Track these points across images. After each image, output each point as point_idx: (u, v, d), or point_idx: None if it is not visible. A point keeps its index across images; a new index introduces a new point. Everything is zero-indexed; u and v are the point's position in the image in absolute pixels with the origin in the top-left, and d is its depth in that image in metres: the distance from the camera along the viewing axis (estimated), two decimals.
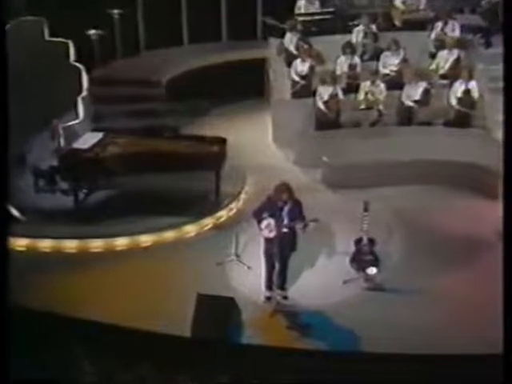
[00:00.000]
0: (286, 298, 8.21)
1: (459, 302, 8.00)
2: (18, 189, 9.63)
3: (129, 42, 14.06)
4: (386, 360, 5.99)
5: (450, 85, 11.35)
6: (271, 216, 7.77)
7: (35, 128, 10.54)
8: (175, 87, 13.21)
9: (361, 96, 11.43)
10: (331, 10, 13.11)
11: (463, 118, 11.14)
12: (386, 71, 11.82)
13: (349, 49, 11.90)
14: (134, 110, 12.41)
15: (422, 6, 13.09)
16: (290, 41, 12.36)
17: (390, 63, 11.84)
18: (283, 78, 12.22)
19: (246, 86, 12.91)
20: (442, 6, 12.87)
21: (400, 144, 10.74)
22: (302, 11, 13.19)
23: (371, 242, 8.41)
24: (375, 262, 8.40)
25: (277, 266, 8.06)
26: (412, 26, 12.71)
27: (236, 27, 14.49)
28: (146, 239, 9.42)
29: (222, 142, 10.10)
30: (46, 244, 9.31)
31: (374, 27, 12.51)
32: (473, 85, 11.08)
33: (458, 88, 11.11)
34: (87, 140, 10.02)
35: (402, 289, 8.27)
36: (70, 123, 10.96)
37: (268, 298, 8.19)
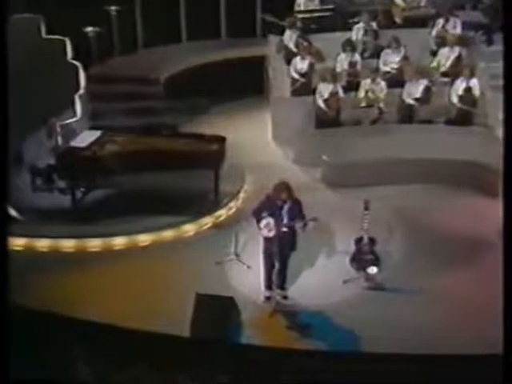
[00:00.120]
0: (285, 297, 8.23)
1: (460, 301, 8.02)
2: (15, 187, 9.63)
3: (126, 39, 14.07)
4: (386, 360, 6.01)
5: (451, 82, 11.37)
6: (271, 215, 7.79)
7: (32, 126, 10.54)
8: (174, 85, 13.23)
9: (361, 94, 11.45)
10: (331, 7, 13.12)
11: (464, 115, 11.17)
12: (387, 69, 11.84)
13: (349, 46, 11.92)
14: (132, 107, 12.44)
15: (422, 3, 13.12)
16: (290, 38, 12.39)
17: (390, 61, 11.86)
18: (283, 76, 12.24)
19: (246, 83, 12.92)
20: (443, 2, 12.88)
21: (401, 142, 10.75)
22: (302, 8, 13.21)
23: (372, 241, 8.43)
24: (376, 262, 8.42)
25: (276, 265, 8.08)
26: (413, 23, 12.74)
27: (235, 24, 14.50)
28: (144, 238, 9.43)
29: (221, 140, 10.11)
30: (43, 243, 9.33)
31: (374, 24, 12.53)
32: (474, 82, 11.11)
33: (460, 86, 11.13)
34: (85, 138, 10.04)
35: (402, 288, 8.29)
36: (68, 121, 10.98)
37: (267, 298, 8.21)
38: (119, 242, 9.37)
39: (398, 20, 12.98)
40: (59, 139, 10.50)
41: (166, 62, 13.64)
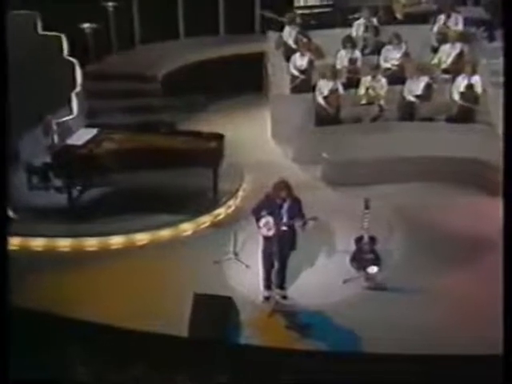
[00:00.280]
0: (285, 297, 8.24)
1: (461, 301, 8.04)
2: (11, 186, 9.64)
3: (124, 35, 14.08)
4: (386, 360, 6.03)
5: (453, 79, 11.38)
6: (270, 214, 7.80)
7: (28, 124, 10.55)
8: (171, 82, 13.23)
9: (361, 91, 11.46)
10: (331, 2, 13.17)
11: (466, 113, 11.18)
12: (388, 65, 11.85)
13: (349, 43, 11.93)
14: (129, 105, 12.45)
15: None
16: (289, 34, 12.40)
17: (391, 57, 11.87)
18: (282, 73, 12.26)
19: (244, 80, 12.93)
20: None
21: (401, 140, 10.77)
22: (301, 4, 13.24)
23: (372, 240, 8.44)
24: (376, 261, 8.43)
25: (276, 264, 8.09)
26: (414, 20, 12.75)
27: (234, 21, 14.51)
28: (141, 237, 9.45)
29: (220, 138, 10.12)
30: (39, 243, 9.35)
31: (374, 20, 12.54)
32: (476, 79, 11.11)
33: (461, 83, 11.14)
34: (81, 136, 10.05)
35: (403, 288, 8.31)
36: (64, 119, 10.99)
37: (267, 298, 8.22)
38: (116, 241, 9.38)
39: (398, 16, 12.99)
40: (55, 137, 10.51)
41: (163, 59, 13.64)
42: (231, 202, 10.19)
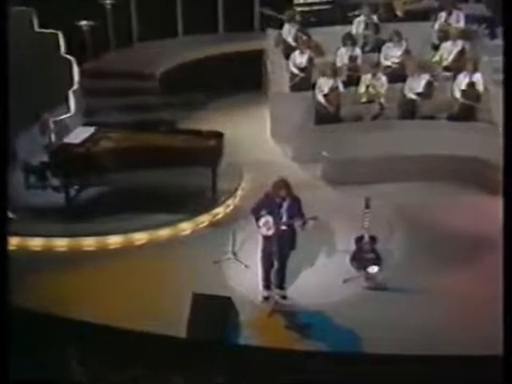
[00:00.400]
0: (284, 297, 8.26)
1: (462, 301, 8.05)
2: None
3: (121, 33, 14.08)
4: (386, 361, 6.04)
5: (454, 77, 11.38)
6: (269, 213, 7.81)
7: (25, 122, 10.55)
8: (170, 80, 13.24)
9: (362, 89, 11.46)
10: (330, 0, 13.14)
11: (467, 111, 11.19)
12: (388, 63, 11.85)
13: (349, 40, 11.94)
14: (127, 103, 12.45)
15: None
16: (289, 32, 12.41)
17: (391, 55, 11.87)
18: (281, 71, 12.26)
19: (243, 78, 12.93)
20: None
21: (402, 138, 10.77)
22: (301, 1, 13.22)
23: (372, 239, 8.45)
24: (376, 261, 8.45)
25: (275, 264, 8.10)
26: (414, 17, 12.77)
27: (233, 18, 14.51)
28: (139, 237, 9.46)
29: (219, 136, 10.13)
30: (36, 242, 9.36)
31: (375, 18, 12.55)
32: (477, 77, 11.12)
33: (463, 80, 11.14)
34: (79, 135, 10.06)
35: (404, 288, 8.32)
36: (61, 117, 11.00)
37: (266, 298, 8.24)
38: (114, 240, 9.39)
39: (399, 13, 13.00)
40: (52, 136, 10.51)
41: (161, 57, 13.65)
42: (230, 201, 10.20)
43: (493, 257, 8.27)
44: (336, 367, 6.11)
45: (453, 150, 10.49)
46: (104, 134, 10.07)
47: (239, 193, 10.39)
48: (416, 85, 11.29)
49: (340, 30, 12.36)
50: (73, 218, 9.59)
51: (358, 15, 12.55)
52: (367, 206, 8.26)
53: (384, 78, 11.42)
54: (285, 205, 7.87)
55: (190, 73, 13.31)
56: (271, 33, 12.90)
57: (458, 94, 11.18)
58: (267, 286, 8.22)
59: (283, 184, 7.89)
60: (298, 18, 12.53)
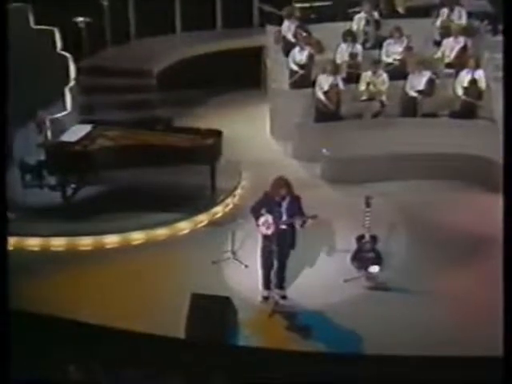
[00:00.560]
0: (284, 297, 8.26)
1: (463, 301, 8.07)
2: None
3: (118, 29, 14.07)
4: (387, 362, 6.05)
5: (456, 74, 11.41)
6: (269, 212, 7.81)
7: (21, 120, 10.55)
8: (167, 77, 13.24)
9: (362, 86, 11.47)
10: None
11: (469, 108, 11.21)
12: (389, 60, 11.87)
13: (350, 37, 11.94)
14: (124, 101, 12.45)
15: None
16: (288, 28, 12.42)
17: (392, 52, 11.89)
18: (281, 68, 12.27)
19: (242, 75, 12.96)
20: None
21: (403, 136, 10.79)
22: None
23: (373, 239, 8.46)
24: (377, 260, 8.46)
25: (275, 264, 8.11)
26: (416, 13, 12.78)
27: (231, 14, 14.51)
28: (137, 237, 9.46)
29: (218, 134, 10.14)
30: (33, 242, 9.35)
31: (375, 14, 12.57)
32: (480, 74, 11.14)
33: (465, 77, 11.17)
34: (75, 133, 10.06)
35: (405, 288, 8.34)
36: (57, 115, 10.99)
37: (266, 298, 8.25)
38: (111, 240, 9.40)
39: (400, 9, 13.02)
40: (49, 134, 10.51)
41: (159, 54, 13.66)
42: (229, 200, 10.21)
43: (495, 256, 8.28)
44: (336, 368, 6.12)
45: (454, 149, 10.51)
46: (101, 132, 10.08)
47: (238, 191, 10.40)
48: (417, 82, 11.30)
49: (340, 26, 12.37)
50: (69, 217, 9.59)
51: (359, 11, 12.56)
52: (368, 205, 8.27)
53: (385, 75, 11.43)
54: (284, 203, 7.87)
55: (189, 70, 13.32)
56: (270, 29, 12.91)
57: (459, 92, 11.20)
58: (267, 286, 8.23)
59: (283, 182, 7.90)
60: (297, 14, 12.55)
